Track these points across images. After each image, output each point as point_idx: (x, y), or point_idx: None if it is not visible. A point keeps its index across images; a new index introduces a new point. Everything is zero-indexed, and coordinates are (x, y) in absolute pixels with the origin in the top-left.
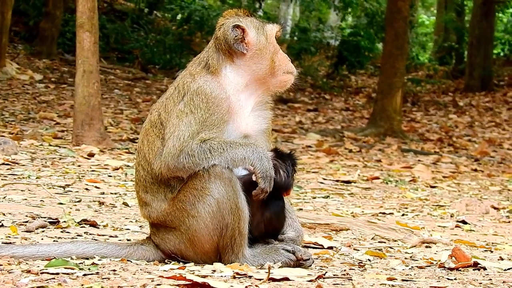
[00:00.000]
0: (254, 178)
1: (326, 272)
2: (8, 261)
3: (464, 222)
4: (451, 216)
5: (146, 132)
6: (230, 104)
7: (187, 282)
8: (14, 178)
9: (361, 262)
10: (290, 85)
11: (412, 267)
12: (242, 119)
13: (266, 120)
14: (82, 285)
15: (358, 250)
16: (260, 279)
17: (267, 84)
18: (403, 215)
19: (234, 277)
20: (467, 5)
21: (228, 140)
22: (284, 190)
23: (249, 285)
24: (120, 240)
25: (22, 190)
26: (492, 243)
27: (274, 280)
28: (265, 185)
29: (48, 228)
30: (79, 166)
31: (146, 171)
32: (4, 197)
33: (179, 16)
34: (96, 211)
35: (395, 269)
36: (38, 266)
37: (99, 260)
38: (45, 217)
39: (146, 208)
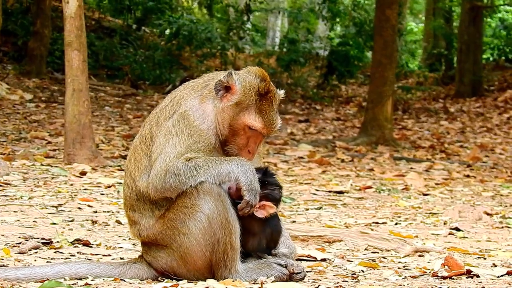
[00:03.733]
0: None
1: (319, 286)
2: (1, 284)
3: (457, 229)
4: (444, 224)
5: (134, 149)
6: (210, 136)
7: None
8: (7, 199)
9: (355, 274)
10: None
11: (405, 277)
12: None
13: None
14: None
15: (351, 261)
16: None
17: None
18: (396, 224)
19: None
20: (455, 11)
21: (213, 157)
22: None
23: None
24: (114, 259)
25: (15, 211)
26: (486, 249)
27: None
28: (250, 197)
29: (41, 249)
30: (71, 185)
31: (131, 189)
32: None
33: (167, 31)
34: (89, 230)
35: (388, 280)
36: None
37: (92, 280)
38: (38, 238)
39: (136, 226)
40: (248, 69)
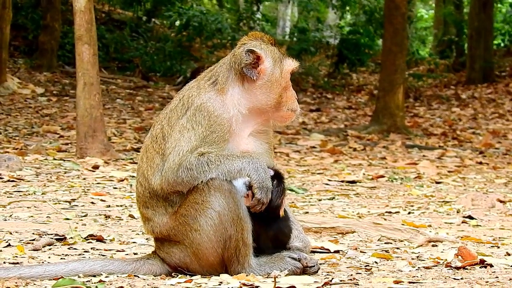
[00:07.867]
0: (247, 192)
1: (332, 279)
2: (16, 282)
3: (470, 218)
4: (457, 212)
5: (146, 148)
6: (231, 124)
7: None
8: (20, 195)
9: (368, 265)
10: (289, 122)
11: (418, 267)
12: (241, 139)
13: (267, 139)
14: None
15: (365, 252)
16: None
17: (269, 115)
18: (409, 213)
19: None
20: None
21: (225, 153)
22: (273, 210)
23: None
24: (127, 254)
25: (28, 207)
26: (499, 237)
27: None
28: (261, 195)
29: (55, 245)
30: (84, 179)
31: (144, 187)
32: (11, 215)
33: (177, 23)
34: (103, 225)
35: (401, 271)
36: (46, 287)
37: (106, 277)
38: (52, 234)
39: (149, 223)
40: (243, 41)
